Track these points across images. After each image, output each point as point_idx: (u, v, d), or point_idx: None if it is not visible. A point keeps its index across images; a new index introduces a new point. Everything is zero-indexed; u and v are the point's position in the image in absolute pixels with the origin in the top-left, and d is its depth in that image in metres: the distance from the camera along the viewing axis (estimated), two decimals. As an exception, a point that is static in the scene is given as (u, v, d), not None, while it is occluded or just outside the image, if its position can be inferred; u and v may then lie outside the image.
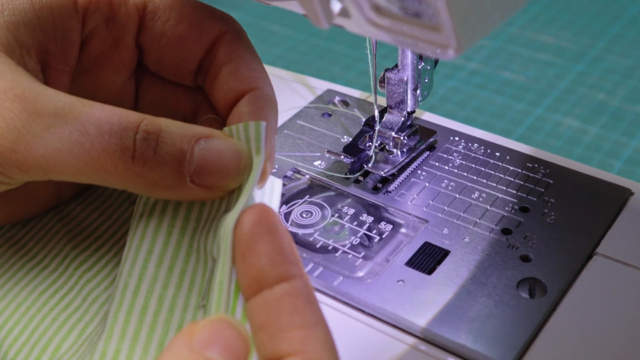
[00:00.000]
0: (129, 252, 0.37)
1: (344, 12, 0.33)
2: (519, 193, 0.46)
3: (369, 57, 0.47)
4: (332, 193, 0.47)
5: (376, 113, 0.49)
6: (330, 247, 0.43)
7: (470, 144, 0.50)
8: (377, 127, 0.48)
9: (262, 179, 0.37)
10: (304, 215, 0.46)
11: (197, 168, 0.35)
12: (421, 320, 0.39)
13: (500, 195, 0.46)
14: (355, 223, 0.45)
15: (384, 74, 0.47)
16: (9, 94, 0.33)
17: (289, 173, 0.49)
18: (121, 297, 0.35)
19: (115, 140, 0.34)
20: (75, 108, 0.34)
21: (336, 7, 0.33)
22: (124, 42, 0.39)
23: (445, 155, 0.49)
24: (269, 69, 0.59)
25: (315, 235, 0.44)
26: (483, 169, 0.48)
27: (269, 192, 0.38)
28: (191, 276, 0.36)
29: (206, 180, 0.35)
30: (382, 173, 0.47)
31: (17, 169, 0.34)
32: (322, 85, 0.56)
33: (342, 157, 0.48)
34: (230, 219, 0.33)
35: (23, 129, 0.33)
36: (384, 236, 0.44)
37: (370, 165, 0.47)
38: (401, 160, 0.48)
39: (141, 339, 0.35)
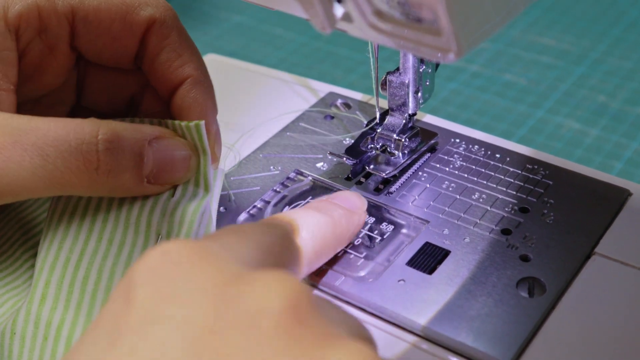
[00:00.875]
0: (68, 230, 0.39)
1: (347, 17, 0.34)
2: (518, 194, 0.46)
3: (371, 60, 0.47)
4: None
5: (378, 115, 0.49)
6: (332, 248, 0.44)
7: (470, 146, 0.50)
8: (379, 129, 0.49)
9: (212, 161, 0.41)
10: (307, 216, 0.46)
11: (152, 169, 0.38)
12: (422, 319, 0.40)
13: (500, 196, 0.46)
14: (357, 224, 0.45)
15: (385, 77, 0.48)
16: None
17: (292, 174, 0.49)
18: (63, 271, 0.38)
19: (77, 157, 0.35)
20: (30, 132, 0.35)
21: (339, 11, 0.34)
22: (59, 49, 0.41)
23: (446, 157, 0.49)
24: (272, 72, 0.60)
25: (318, 236, 0.45)
26: (483, 170, 0.48)
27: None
28: (130, 248, 0.39)
29: (161, 179, 0.39)
30: (384, 175, 0.47)
31: None
32: (324, 88, 0.57)
33: (345, 159, 0.49)
34: (195, 205, 0.39)
35: None
36: (385, 236, 0.45)
37: (372, 167, 0.48)
38: (402, 162, 0.48)
39: (84, 307, 0.38)
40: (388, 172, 0.47)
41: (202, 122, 0.40)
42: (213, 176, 0.42)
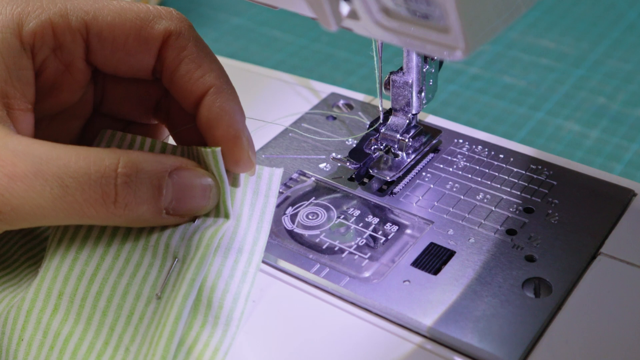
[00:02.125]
0: (85, 242, 0.39)
1: (353, 15, 0.33)
2: (523, 194, 0.46)
3: (375, 59, 0.47)
4: (337, 195, 0.48)
5: (381, 116, 0.49)
6: (336, 248, 0.44)
7: (474, 146, 0.50)
8: (382, 130, 0.49)
9: (248, 169, 0.41)
10: (310, 217, 0.46)
11: (171, 202, 0.38)
12: (427, 319, 0.39)
13: (504, 197, 0.46)
14: (360, 224, 0.45)
15: (389, 77, 0.48)
16: None
17: (295, 175, 0.49)
18: (77, 283, 0.38)
19: (95, 190, 0.35)
20: (52, 162, 0.35)
21: (345, 9, 0.33)
22: (75, 66, 0.41)
23: (449, 157, 0.49)
24: (273, 74, 0.59)
25: (322, 237, 0.45)
26: (487, 170, 0.48)
27: (266, 181, 0.42)
28: (146, 269, 0.39)
29: (180, 211, 0.39)
30: (388, 178, 0.47)
31: (4, 224, 0.36)
32: (326, 89, 0.57)
33: (348, 163, 0.49)
34: (212, 230, 0.39)
35: (7, 193, 0.35)
36: (389, 237, 0.44)
37: (375, 171, 0.48)
38: (406, 163, 0.48)
39: (93, 324, 0.38)
40: (392, 175, 0.47)
41: (219, 149, 0.39)
42: (269, 176, 0.42)
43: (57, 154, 0.35)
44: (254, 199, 0.42)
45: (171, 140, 0.44)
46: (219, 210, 0.41)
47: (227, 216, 0.41)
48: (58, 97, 0.41)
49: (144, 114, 0.44)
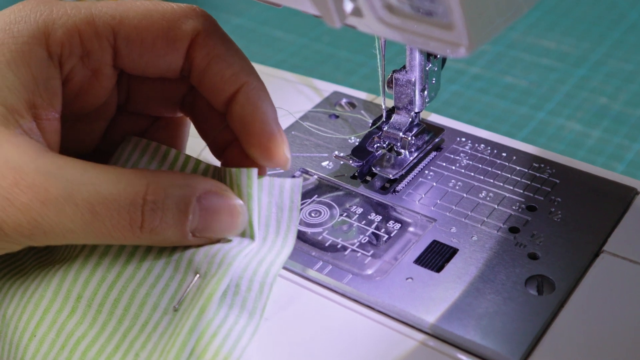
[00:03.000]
0: (108, 251, 0.39)
1: (356, 12, 0.33)
2: (525, 192, 0.46)
3: (378, 57, 0.47)
4: (340, 193, 0.48)
5: (384, 114, 0.49)
6: (339, 246, 0.44)
7: (476, 145, 0.50)
8: (385, 128, 0.49)
9: (284, 164, 0.40)
10: (313, 215, 0.46)
11: (197, 226, 0.38)
12: (430, 317, 0.39)
13: (507, 195, 0.46)
14: (363, 222, 0.45)
15: (391, 75, 0.48)
16: (20, 185, 0.35)
17: (297, 173, 0.49)
18: (96, 288, 0.38)
19: (124, 216, 0.36)
20: (83, 187, 0.35)
21: (348, 6, 0.33)
22: (102, 72, 0.40)
23: (452, 156, 0.49)
24: (276, 72, 0.59)
25: (324, 234, 0.45)
26: (490, 169, 0.48)
27: (289, 194, 0.42)
28: (166, 281, 0.39)
29: (206, 234, 0.39)
30: (391, 176, 0.47)
31: (33, 243, 0.36)
32: (328, 88, 0.57)
33: (350, 161, 0.49)
34: (236, 250, 0.39)
35: (39, 218, 0.35)
36: (392, 235, 0.44)
37: (378, 169, 0.48)
38: (409, 161, 0.48)
39: (108, 329, 0.38)
40: (395, 173, 0.47)
41: (255, 170, 0.39)
42: (290, 187, 0.42)
43: (89, 179, 0.35)
44: (279, 215, 0.42)
45: (193, 132, 0.44)
46: (244, 232, 0.40)
47: (252, 237, 0.40)
48: (84, 102, 0.41)
49: (170, 109, 0.43)
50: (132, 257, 0.39)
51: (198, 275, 0.39)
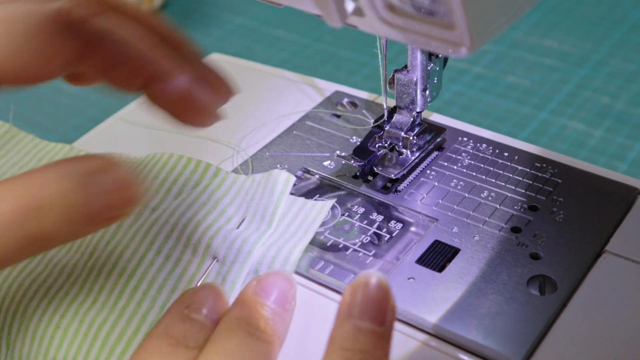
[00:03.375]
0: (133, 239, 0.42)
1: (358, 11, 0.33)
2: (527, 192, 0.46)
3: (379, 57, 0.47)
4: (342, 192, 0.48)
5: (385, 113, 0.49)
6: (340, 246, 0.44)
7: (478, 144, 0.50)
8: (387, 127, 0.49)
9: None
10: (314, 215, 0.46)
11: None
12: (432, 317, 0.39)
13: (509, 195, 0.46)
14: (365, 222, 0.45)
15: (393, 75, 0.48)
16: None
17: (299, 173, 0.49)
18: (117, 278, 0.41)
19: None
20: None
21: (350, 6, 0.33)
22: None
23: (454, 155, 0.49)
24: (278, 72, 0.59)
25: (326, 234, 0.45)
26: (492, 168, 0.48)
27: (315, 214, 0.44)
28: (184, 265, 0.41)
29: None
30: (392, 176, 0.47)
31: None
32: (330, 87, 0.57)
33: (352, 161, 0.49)
34: (255, 237, 0.41)
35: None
36: (394, 235, 0.44)
37: (380, 168, 0.48)
38: (411, 161, 0.48)
39: (127, 312, 0.40)
40: (396, 172, 0.47)
41: (293, 178, 0.43)
42: (319, 209, 0.44)
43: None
44: (303, 215, 0.44)
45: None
46: (263, 217, 0.43)
47: (269, 225, 0.43)
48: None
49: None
50: (152, 245, 0.41)
51: (217, 259, 0.40)
